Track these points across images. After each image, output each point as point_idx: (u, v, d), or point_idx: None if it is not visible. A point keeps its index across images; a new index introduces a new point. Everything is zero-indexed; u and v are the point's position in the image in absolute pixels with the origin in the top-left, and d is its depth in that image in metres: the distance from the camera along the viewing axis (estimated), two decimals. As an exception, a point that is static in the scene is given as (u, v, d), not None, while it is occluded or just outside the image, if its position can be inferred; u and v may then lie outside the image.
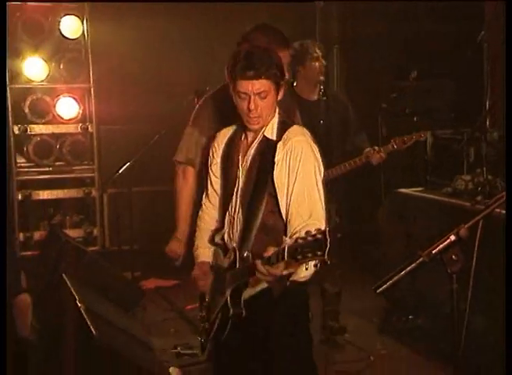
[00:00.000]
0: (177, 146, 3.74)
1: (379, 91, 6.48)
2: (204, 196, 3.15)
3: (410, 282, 4.68)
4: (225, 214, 2.96)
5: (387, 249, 5.22)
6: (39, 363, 3.72)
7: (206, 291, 3.06)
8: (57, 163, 6.73)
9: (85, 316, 3.64)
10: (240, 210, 2.88)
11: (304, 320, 3.03)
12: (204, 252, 3.09)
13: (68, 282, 4.17)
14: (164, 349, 4.74)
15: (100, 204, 6.84)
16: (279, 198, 2.79)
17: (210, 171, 3.05)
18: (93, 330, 3.51)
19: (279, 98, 2.83)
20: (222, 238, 2.99)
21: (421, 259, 2.12)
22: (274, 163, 2.78)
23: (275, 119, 2.86)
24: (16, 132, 6.55)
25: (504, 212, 3.02)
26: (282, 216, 2.82)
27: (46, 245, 5.75)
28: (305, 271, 2.56)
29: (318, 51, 4.88)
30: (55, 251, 5.27)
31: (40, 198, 6.68)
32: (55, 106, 6.60)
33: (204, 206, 3.15)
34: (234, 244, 2.88)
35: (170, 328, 5.34)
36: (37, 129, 6.62)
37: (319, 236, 2.29)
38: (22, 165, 6.71)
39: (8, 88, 6.44)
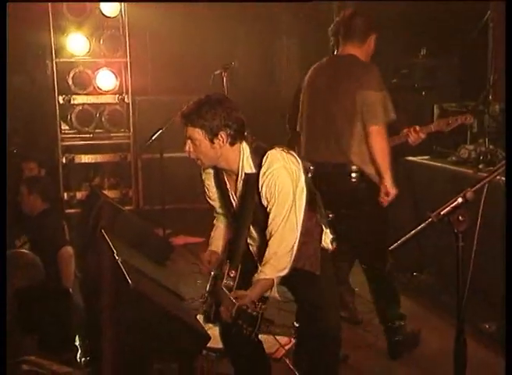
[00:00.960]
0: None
1: (391, 68, 6.36)
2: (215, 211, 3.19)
3: (415, 241, 4.62)
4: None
5: (395, 212, 5.16)
6: (81, 311, 3.75)
7: (206, 274, 3.13)
8: (96, 130, 6.73)
9: (122, 268, 3.64)
10: (237, 231, 2.92)
11: None
12: (216, 243, 3.12)
13: (106, 237, 4.17)
14: (192, 299, 4.74)
15: (135, 168, 6.85)
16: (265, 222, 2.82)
17: (211, 201, 3.11)
18: (129, 280, 3.50)
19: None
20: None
21: (430, 219, 2.08)
22: (259, 194, 2.80)
23: (246, 151, 2.81)
24: (61, 102, 6.56)
25: (504, 178, 2.95)
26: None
27: (87, 204, 5.76)
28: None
29: None
30: (94, 210, 5.27)
31: (82, 161, 6.71)
32: (95, 78, 6.58)
33: (215, 225, 3.20)
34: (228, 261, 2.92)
35: (197, 280, 5.35)
36: (79, 99, 6.61)
37: (254, 313, 2.56)
38: (66, 132, 6.73)
39: (54, 62, 6.46)
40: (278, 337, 3.88)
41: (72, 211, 6.32)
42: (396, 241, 2.15)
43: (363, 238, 3.83)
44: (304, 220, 2.79)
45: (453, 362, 2.17)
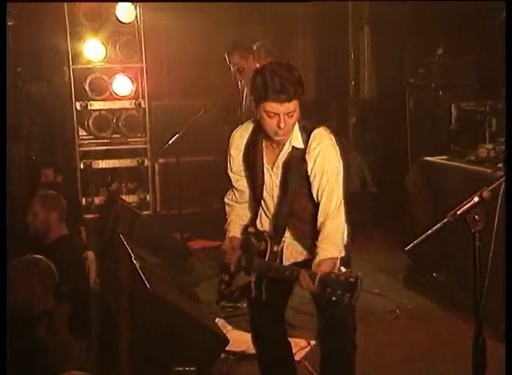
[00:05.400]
0: (222, 119, 3.82)
1: (407, 67, 6.35)
2: (228, 195, 3.07)
3: (433, 242, 4.60)
4: (257, 208, 2.95)
5: (414, 213, 5.14)
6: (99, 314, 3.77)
7: (231, 263, 3.00)
8: (114, 136, 6.76)
9: (140, 272, 3.67)
10: (273, 207, 2.87)
11: None
12: (235, 228, 3.01)
13: (124, 242, 4.21)
14: (210, 302, 4.75)
15: (152, 172, 6.87)
16: (313, 194, 2.78)
17: (232, 174, 2.99)
18: (147, 284, 3.54)
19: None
20: (255, 228, 2.98)
21: (446, 219, 2.07)
22: (306, 168, 2.76)
23: (296, 126, 2.79)
24: (78, 108, 6.61)
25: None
26: (312, 212, 2.81)
27: (105, 209, 5.81)
28: None
29: None
30: (112, 215, 5.32)
31: (99, 167, 6.75)
32: (111, 84, 6.63)
33: (229, 204, 3.08)
34: (266, 236, 2.87)
35: (215, 283, 5.35)
36: (96, 105, 6.66)
37: (352, 279, 2.37)
38: (83, 137, 6.77)
39: (71, 69, 6.51)
40: (296, 340, 3.89)
41: (90, 216, 6.37)
42: (413, 241, 2.14)
43: None
44: None
45: (472, 362, 2.16)
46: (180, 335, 3.53)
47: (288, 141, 2.79)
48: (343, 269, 2.49)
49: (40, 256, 3.32)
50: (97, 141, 6.73)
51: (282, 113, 2.65)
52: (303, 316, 4.25)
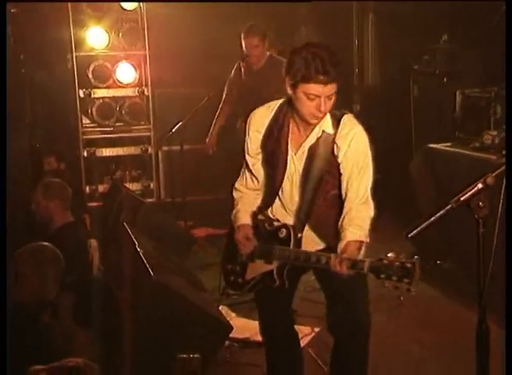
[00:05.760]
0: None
1: (412, 54, 6.31)
2: (239, 181, 2.99)
3: (437, 229, 4.60)
4: (273, 195, 2.85)
5: (418, 199, 5.13)
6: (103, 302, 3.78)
7: (244, 253, 2.92)
8: (117, 124, 6.75)
9: (143, 259, 3.68)
10: (297, 194, 2.80)
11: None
12: (245, 216, 2.93)
13: (128, 229, 4.21)
14: (214, 290, 4.76)
15: (155, 160, 6.87)
16: (342, 179, 2.73)
17: (248, 156, 2.90)
18: (151, 271, 3.54)
19: None
20: (266, 215, 2.91)
21: (449, 206, 2.06)
22: (336, 153, 2.70)
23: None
24: (82, 96, 6.60)
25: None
26: (334, 199, 2.77)
27: (109, 197, 5.81)
28: None
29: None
30: (116, 203, 5.33)
31: (103, 155, 6.74)
32: (115, 72, 6.62)
33: (239, 191, 2.99)
34: (288, 222, 2.81)
35: (219, 271, 5.36)
36: (100, 93, 6.65)
37: (409, 265, 2.30)
38: (87, 125, 6.76)
39: (74, 56, 6.49)
40: (300, 327, 3.89)
41: (94, 204, 6.38)
42: (416, 228, 2.13)
43: None
44: None
45: (476, 349, 2.15)
46: (184, 322, 3.54)
47: (319, 125, 2.72)
48: (390, 254, 2.40)
49: (46, 243, 3.32)
50: (101, 128, 6.72)
51: (324, 96, 2.58)
52: (306, 304, 4.26)
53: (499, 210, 2.16)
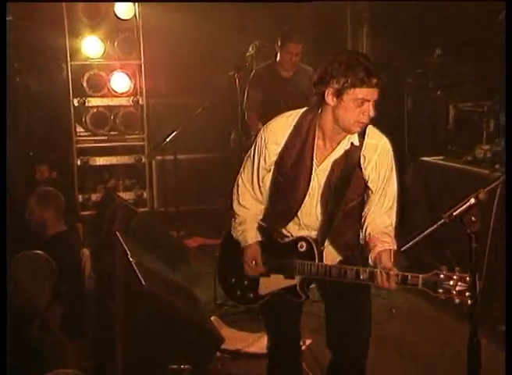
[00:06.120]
0: (219, 117, 3.80)
1: (405, 67, 6.35)
2: (243, 196, 2.84)
3: (430, 242, 4.61)
4: (293, 210, 2.74)
5: (411, 212, 5.14)
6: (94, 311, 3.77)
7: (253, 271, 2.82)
8: (111, 133, 6.78)
9: (135, 269, 3.66)
10: (315, 207, 2.71)
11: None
12: (252, 234, 2.82)
13: (121, 239, 4.19)
14: (206, 300, 4.75)
15: (149, 169, 6.89)
16: (366, 193, 2.70)
17: (261, 169, 2.77)
18: (142, 281, 3.53)
19: None
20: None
21: (442, 220, 2.07)
22: (362, 165, 2.66)
23: None
24: (76, 104, 6.62)
25: None
26: (355, 212, 2.73)
27: (102, 206, 5.79)
28: None
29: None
30: (109, 212, 5.31)
31: (97, 163, 6.76)
32: (109, 81, 6.63)
33: (244, 207, 2.84)
34: (309, 236, 2.73)
35: (212, 282, 5.35)
36: (94, 102, 6.67)
37: (468, 278, 2.24)
38: (80, 134, 6.78)
39: (69, 65, 6.51)
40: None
41: (87, 213, 6.37)
42: (409, 242, 2.14)
43: None
44: None
45: (467, 364, 2.16)
46: (176, 333, 3.52)
47: (347, 138, 2.65)
48: (443, 268, 2.35)
49: (40, 252, 3.30)
50: (95, 137, 6.74)
51: (372, 100, 2.54)
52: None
53: (491, 225, 2.17)
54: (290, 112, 2.75)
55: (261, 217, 2.86)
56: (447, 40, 5.87)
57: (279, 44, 5.22)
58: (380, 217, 2.65)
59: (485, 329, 2.43)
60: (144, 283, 3.50)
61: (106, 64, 6.67)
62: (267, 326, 3.01)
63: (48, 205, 4.05)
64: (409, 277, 2.41)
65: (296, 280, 2.72)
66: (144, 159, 6.81)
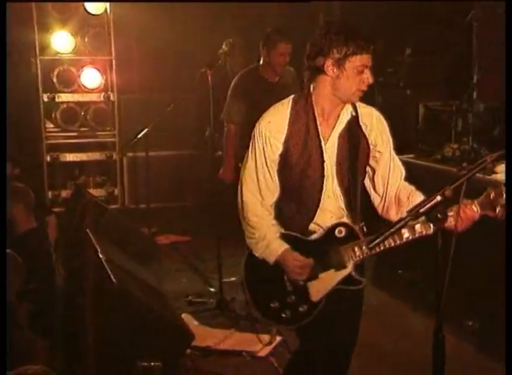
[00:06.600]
0: (190, 114, 3.76)
1: (376, 67, 6.42)
2: (253, 206, 2.68)
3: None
4: (316, 201, 2.63)
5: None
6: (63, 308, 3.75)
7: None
8: (82, 129, 6.73)
9: (106, 266, 3.65)
10: (338, 188, 2.65)
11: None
12: (278, 243, 2.65)
13: (91, 236, 4.17)
14: (177, 297, 4.76)
15: (120, 166, 6.86)
16: (378, 161, 2.70)
17: (265, 168, 2.65)
18: (112, 278, 3.52)
19: None
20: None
21: (408, 218, 2.11)
22: (365, 134, 2.64)
23: None
24: (46, 100, 6.55)
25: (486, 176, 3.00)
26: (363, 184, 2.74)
27: (72, 203, 5.76)
28: None
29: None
30: (79, 208, 5.27)
31: (67, 160, 6.70)
32: (80, 76, 6.58)
33: (258, 216, 2.67)
34: (341, 220, 2.66)
35: (182, 278, 5.37)
36: (64, 97, 6.61)
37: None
38: (50, 130, 6.71)
39: (38, 60, 6.44)
40: (262, 336, 3.92)
41: (56, 210, 6.31)
42: (376, 239, 2.17)
43: None
44: None
45: (432, 359, 2.20)
46: (146, 330, 3.52)
47: (345, 108, 2.63)
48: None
49: (8, 250, 3.28)
50: (65, 133, 6.68)
51: (369, 66, 2.54)
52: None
53: (457, 222, 2.21)
54: (281, 101, 2.69)
55: (277, 226, 2.70)
56: (417, 39, 5.95)
57: (268, 46, 5.04)
58: (403, 184, 2.74)
59: (450, 324, 2.47)
60: (114, 280, 3.50)
61: (77, 59, 6.61)
62: (319, 334, 2.72)
63: (19, 201, 4.04)
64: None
65: (349, 268, 2.63)
66: (115, 156, 6.77)
